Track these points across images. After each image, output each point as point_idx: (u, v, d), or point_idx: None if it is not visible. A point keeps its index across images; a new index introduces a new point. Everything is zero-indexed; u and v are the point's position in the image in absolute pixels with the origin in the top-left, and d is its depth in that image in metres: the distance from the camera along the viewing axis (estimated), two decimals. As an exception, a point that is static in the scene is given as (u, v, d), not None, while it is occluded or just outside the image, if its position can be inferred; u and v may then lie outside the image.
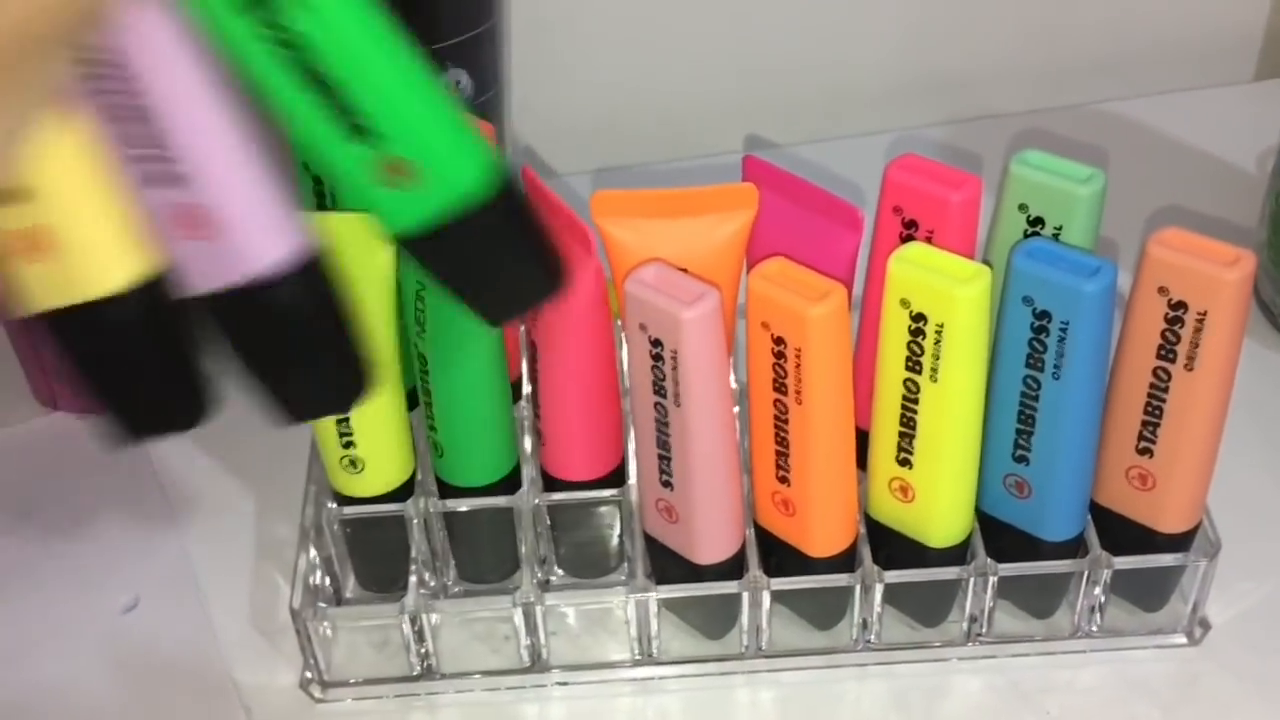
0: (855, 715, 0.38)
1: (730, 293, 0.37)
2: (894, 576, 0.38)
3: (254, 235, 0.24)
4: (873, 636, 0.39)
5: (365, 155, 0.24)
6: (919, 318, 0.33)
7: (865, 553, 0.38)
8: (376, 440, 0.38)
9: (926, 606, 0.39)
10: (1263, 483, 0.44)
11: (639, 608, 0.38)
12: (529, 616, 0.38)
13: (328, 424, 0.37)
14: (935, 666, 0.39)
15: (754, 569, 0.38)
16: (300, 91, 0.23)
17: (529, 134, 0.60)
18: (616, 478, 0.40)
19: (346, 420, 0.37)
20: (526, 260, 0.27)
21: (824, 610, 0.40)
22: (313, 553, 0.39)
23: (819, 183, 0.37)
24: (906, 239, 0.36)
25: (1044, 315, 0.33)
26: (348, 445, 0.38)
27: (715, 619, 0.40)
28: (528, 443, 0.42)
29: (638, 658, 0.39)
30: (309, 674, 0.39)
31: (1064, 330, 0.33)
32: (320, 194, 0.39)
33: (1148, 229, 0.34)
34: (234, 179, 0.24)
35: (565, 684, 0.39)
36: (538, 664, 0.39)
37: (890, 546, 0.38)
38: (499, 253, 0.27)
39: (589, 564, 0.42)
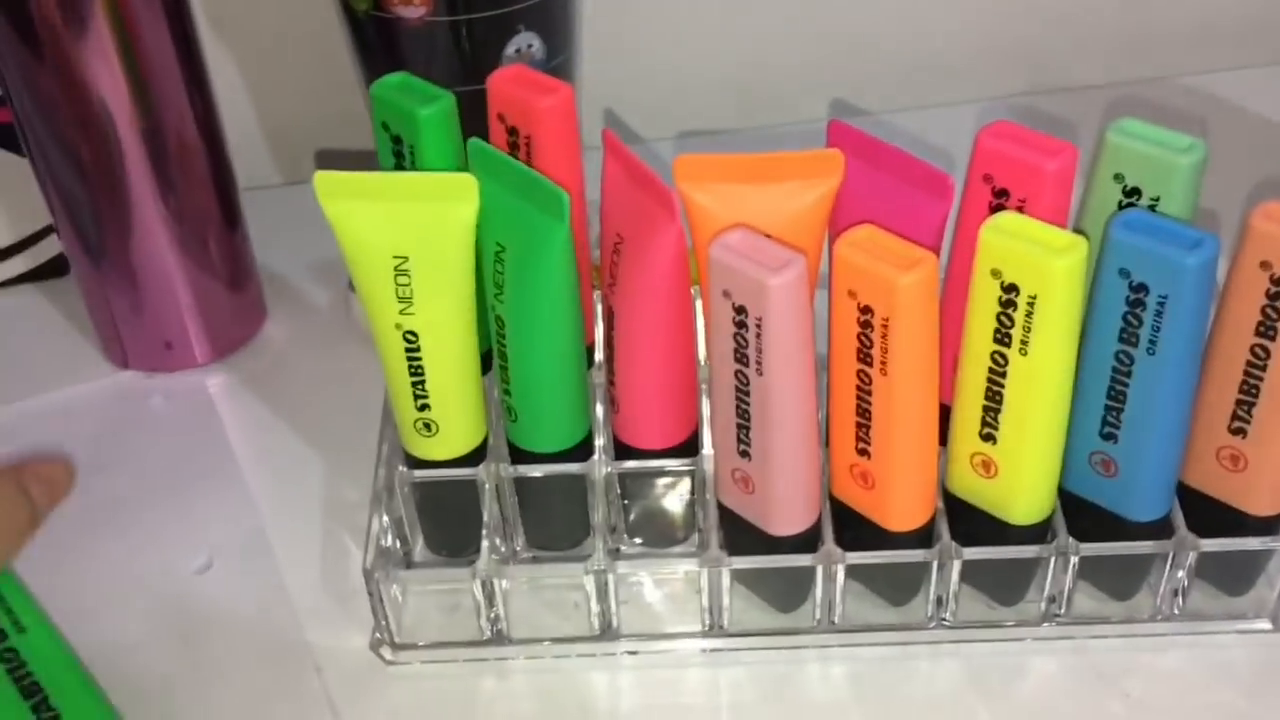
0: (928, 694, 0.38)
1: (813, 261, 0.36)
2: (973, 553, 0.37)
3: None
4: (948, 614, 0.38)
5: None
6: (1010, 289, 0.32)
7: (943, 528, 0.37)
8: (451, 403, 0.38)
9: (1005, 585, 0.39)
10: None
11: (711, 578, 0.38)
12: (600, 584, 0.38)
13: (403, 387, 0.37)
14: (1011, 646, 0.39)
15: (829, 542, 0.37)
16: None
17: (609, 98, 0.59)
18: (689, 447, 0.39)
19: (422, 383, 0.37)
20: None
21: (899, 586, 0.39)
22: (384, 515, 0.39)
23: (905, 149, 0.36)
24: (997, 208, 0.35)
25: (1141, 289, 0.32)
26: (422, 408, 0.38)
27: (788, 592, 0.39)
28: (600, 410, 0.41)
29: (707, 629, 0.39)
30: (379, 635, 0.39)
31: (1161, 305, 0.32)
32: (399, 154, 0.39)
33: (1249, 203, 0.32)
34: None
35: (635, 653, 0.39)
36: (607, 632, 0.39)
37: (969, 522, 0.37)
38: None
39: (660, 533, 0.42)
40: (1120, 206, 0.35)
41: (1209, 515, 0.37)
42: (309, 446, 0.46)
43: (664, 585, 0.41)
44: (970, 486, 0.37)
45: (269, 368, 0.50)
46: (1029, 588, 0.39)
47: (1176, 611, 0.38)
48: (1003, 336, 0.33)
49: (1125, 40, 0.60)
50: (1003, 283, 0.32)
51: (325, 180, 0.35)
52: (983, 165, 0.35)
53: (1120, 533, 0.37)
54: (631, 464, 0.39)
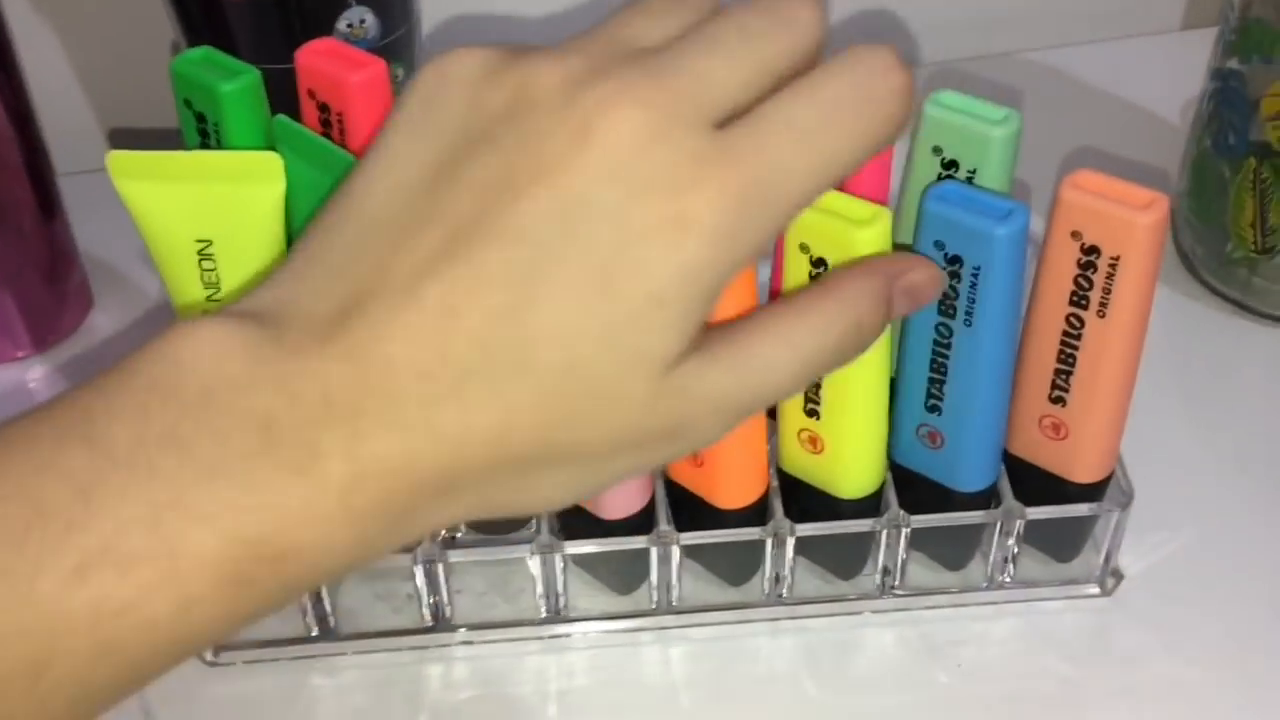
0: (766, 672, 0.38)
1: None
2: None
3: None
4: (784, 590, 0.38)
5: None
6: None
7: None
8: None
9: (842, 560, 0.39)
10: (1177, 432, 0.44)
11: (546, 564, 0.37)
12: (431, 574, 0.37)
13: None
14: (849, 621, 0.39)
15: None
16: None
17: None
18: None
19: None
20: None
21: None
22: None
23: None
24: (817, 182, 0.35)
25: (955, 260, 0.32)
26: None
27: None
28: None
29: (544, 615, 0.38)
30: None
31: (975, 275, 0.32)
32: (204, 132, 0.37)
33: (1065, 173, 0.33)
34: None
35: (470, 643, 0.38)
36: (441, 623, 0.38)
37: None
38: None
39: (496, 521, 0.41)
40: (939, 179, 0.35)
41: (1035, 484, 0.37)
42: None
43: (499, 573, 0.40)
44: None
45: (94, 358, 0.48)
46: (865, 561, 0.39)
47: (1008, 579, 0.39)
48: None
49: (956, 20, 0.61)
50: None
51: (120, 160, 0.33)
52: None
53: (949, 504, 0.37)
54: None
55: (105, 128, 0.58)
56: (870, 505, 0.37)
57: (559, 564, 0.37)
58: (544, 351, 0.22)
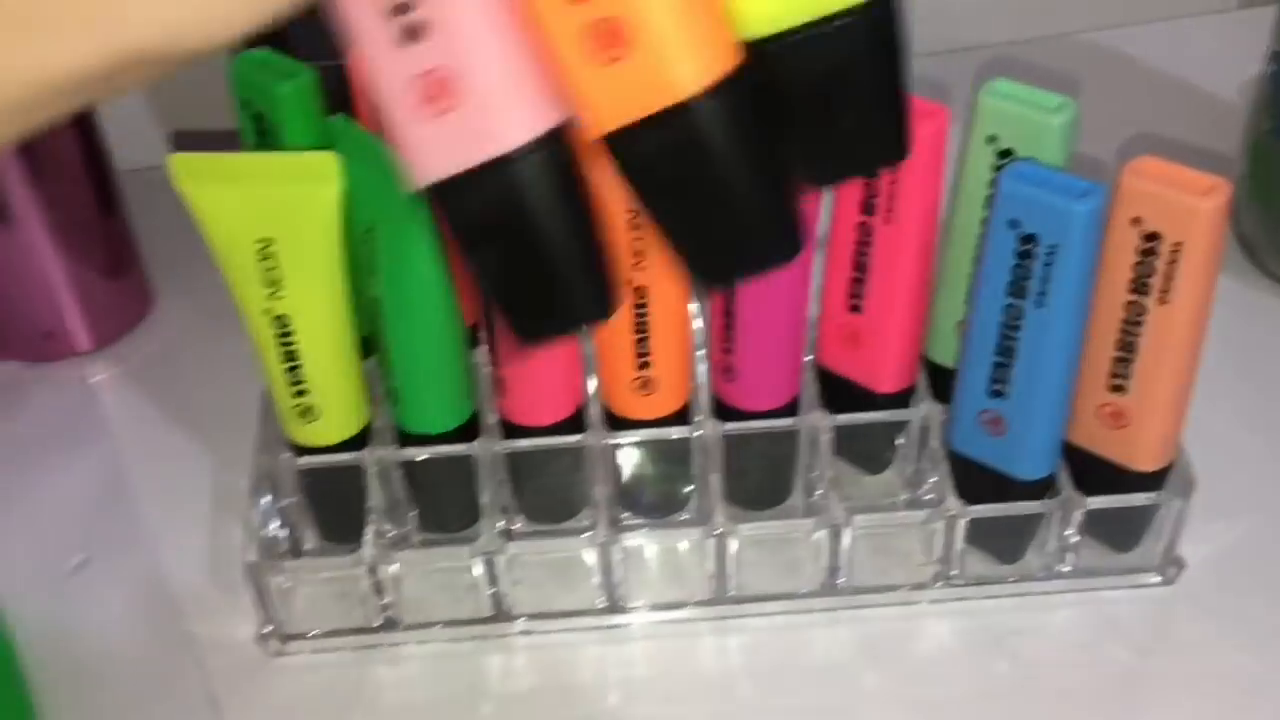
0: (824, 663, 0.38)
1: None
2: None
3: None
4: (842, 580, 0.38)
5: None
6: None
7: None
8: (329, 388, 0.37)
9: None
10: (1238, 420, 0.43)
11: (603, 555, 0.37)
12: (491, 566, 0.37)
13: (278, 373, 0.36)
14: (905, 611, 0.39)
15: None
16: None
17: None
18: (576, 422, 0.39)
19: (297, 368, 0.36)
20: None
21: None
22: (265, 503, 0.38)
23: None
24: (870, 176, 0.35)
25: (1030, 239, 0.32)
26: (300, 394, 0.37)
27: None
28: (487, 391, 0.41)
29: (604, 605, 0.39)
30: (267, 628, 0.38)
31: (1051, 254, 0.32)
32: (261, 132, 0.37)
33: (1121, 161, 0.32)
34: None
35: (529, 633, 0.39)
36: (501, 613, 0.38)
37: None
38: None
39: (552, 512, 0.41)
40: (995, 169, 0.35)
41: (1094, 472, 0.37)
42: (197, 435, 0.45)
43: (559, 564, 0.40)
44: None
45: (156, 354, 0.48)
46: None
47: (1067, 569, 0.39)
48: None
49: (995, 2, 0.60)
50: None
51: (183, 163, 0.33)
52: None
53: (1008, 493, 0.37)
54: (522, 442, 0.39)
55: (163, 125, 0.59)
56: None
57: (616, 555, 0.38)
58: None
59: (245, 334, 0.48)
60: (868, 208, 0.35)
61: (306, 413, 0.37)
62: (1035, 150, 0.34)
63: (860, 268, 0.37)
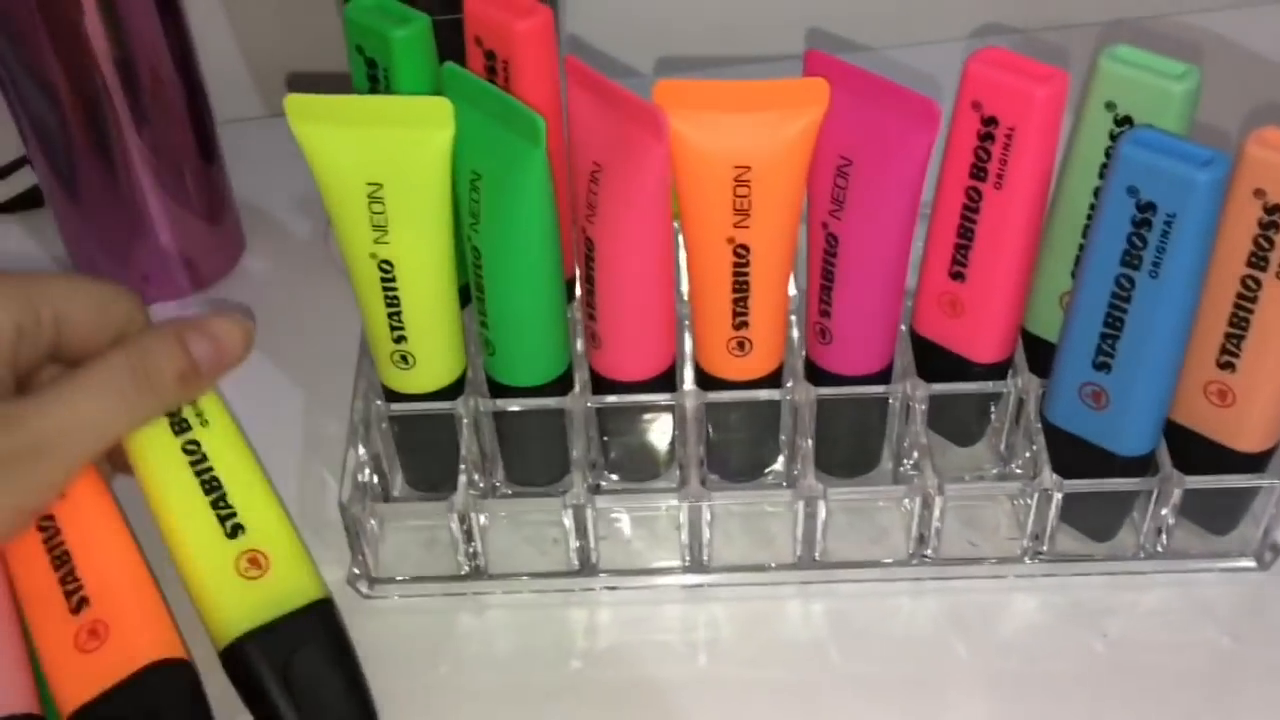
0: (907, 632, 0.37)
1: (797, 195, 0.35)
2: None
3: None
4: (930, 551, 0.38)
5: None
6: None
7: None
8: (427, 335, 0.37)
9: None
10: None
11: (691, 514, 0.37)
12: (579, 519, 0.37)
13: (379, 318, 0.36)
14: (992, 584, 0.38)
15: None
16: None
17: (585, 33, 0.58)
18: (669, 379, 0.39)
19: (398, 314, 0.36)
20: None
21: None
22: (361, 450, 0.38)
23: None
24: (985, 138, 0.34)
25: (1148, 207, 0.31)
26: (399, 340, 0.37)
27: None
28: (579, 344, 0.41)
29: (687, 565, 0.39)
30: (356, 570, 0.39)
31: (1169, 224, 0.31)
32: (374, 78, 0.38)
33: (1242, 133, 0.32)
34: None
35: (614, 589, 0.39)
36: (586, 568, 0.39)
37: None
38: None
39: (639, 468, 0.41)
40: (1111, 137, 0.34)
41: (1194, 451, 0.36)
42: (288, 380, 0.46)
43: (644, 521, 0.40)
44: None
45: (247, 300, 0.49)
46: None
47: (1160, 550, 0.38)
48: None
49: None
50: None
51: (297, 103, 0.34)
52: (971, 91, 0.34)
53: (1107, 469, 0.36)
54: (613, 398, 0.39)
55: (263, 77, 0.59)
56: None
57: (705, 515, 0.38)
58: None
59: (330, 282, 0.49)
60: (978, 172, 0.35)
61: (404, 359, 0.37)
62: (1155, 118, 0.33)
63: (966, 234, 0.36)
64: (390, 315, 0.36)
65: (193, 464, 0.32)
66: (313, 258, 0.51)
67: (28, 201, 0.53)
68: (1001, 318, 0.37)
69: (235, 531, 0.31)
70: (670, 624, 0.38)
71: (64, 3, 0.42)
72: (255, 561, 0.31)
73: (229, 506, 0.31)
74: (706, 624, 0.38)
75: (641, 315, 0.37)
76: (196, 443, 0.32)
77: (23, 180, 0.53)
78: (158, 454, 0.32)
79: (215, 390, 0.34)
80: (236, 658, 0.30)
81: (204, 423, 0.33)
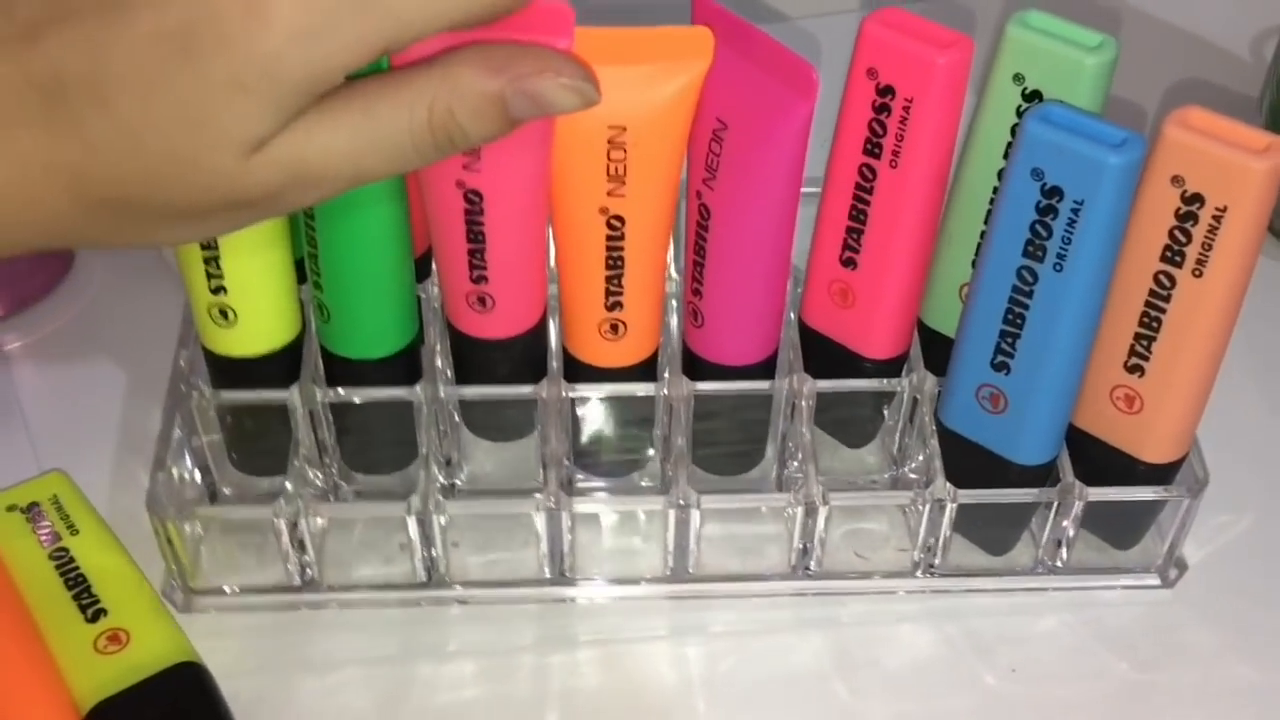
0: (794, 667, 0.34)
1: (678, 159, 0.31)
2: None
3: None
4: (812, 564, 0.35)
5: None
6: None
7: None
8: (250, 285, 0.33)
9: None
10: (1250, 407, 0.40)
11: (551, 521, 0.34)
12: (425, 526, 0.33)
13: (194, 260, 0.32)
14: (881, 600, 0.35)
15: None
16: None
17: None
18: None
19: (215, 259, 0.32)
20: None
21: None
22: (176, 440, 0.34)
23: (779, 38, 0.31)
24: (880, 109, 0.31)
25: (1054, 193, 0.28)
26: (217, 291, 0.32)
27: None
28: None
29: (548, 576, 0.35)
30: (173, 581, 0.34)
31: (1076, 212, 0.28)
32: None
33: (1161, 111, 0.29)
34: None
35: (465, 602, 0.35)
36: (434, 578, 0.35)
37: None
38: None
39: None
40: (1018, 113, 0.31)
41: (1098, 460, 0.33)
42: (104, 361, 0.41)
43: (504, 528, 0.36)
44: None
45: (80, 318, 0.43)
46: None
47: (1059, 564, 0.35)
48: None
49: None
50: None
51: None
52: (866, 57, 0.31)
53: (1003, 477, 0.33)
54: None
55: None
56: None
57: (566, 521, 0.34)
58: (121, 96, 0.22)
59: (158, 284, 0.43)
60: (871, 148, 0.31)
61: (224, 314, 0.33)
62: (1066, 93, 0.30)
63: (858, 217, 0.33)
64: (207, 261, 0.32)
65: (58, 567, 0.34)
66: (160, 262, 0.45)
67: None
68: (895, 310, 0.34)
69: (96, 616, 0.33)
70: (523, 641, 0.34)
71: None
72: (115, 638, 0.32)
73: (91, 596, 0.33)
74: (560, 641, 0.34)
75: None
76: (65, 549, 0.34)
77: None
78: (28, 562, 0.34)
79: (84, 499, 0.36)
80: None
81: (74, 532, 0.35)
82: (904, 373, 0.35)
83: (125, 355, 0.41)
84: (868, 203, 0.32)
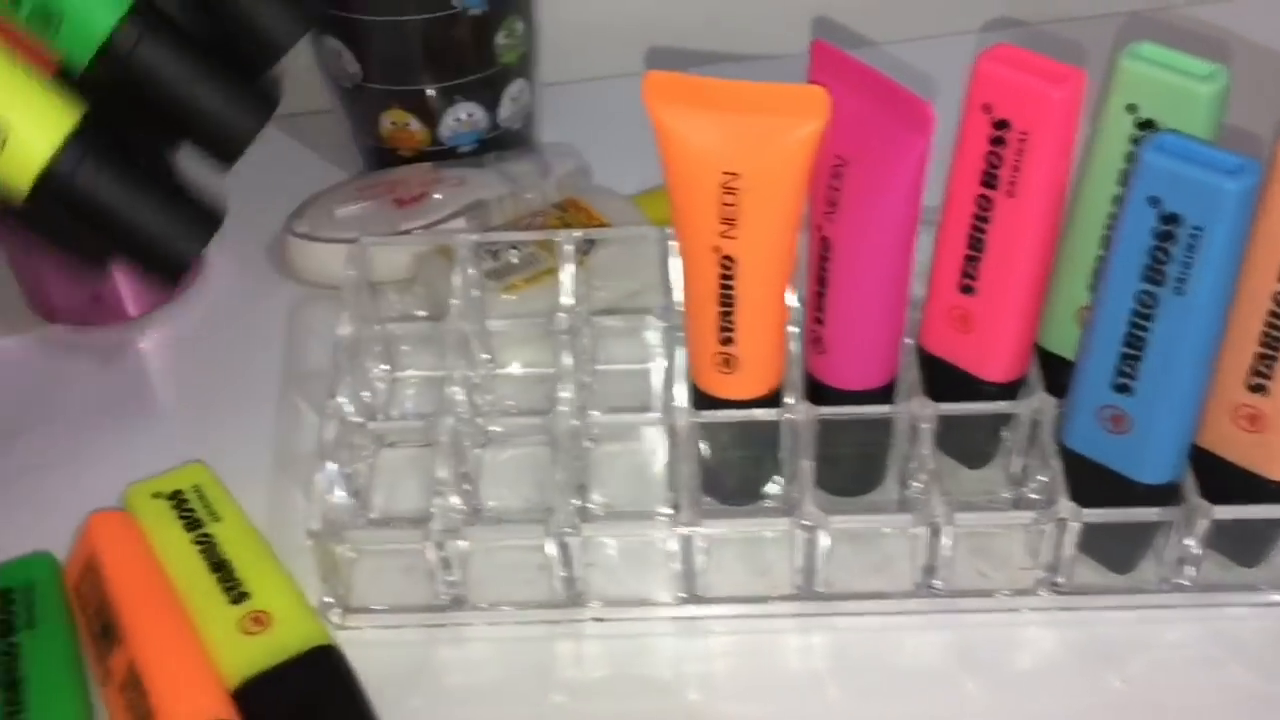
0: (913, 666, 0.35)
1: (792, 207, 0.33)
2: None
3: None
4: (937, 582, 0.36)
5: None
6: None
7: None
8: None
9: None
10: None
11: (684, 543, 0.35)
12: (565, 549, 0.35)
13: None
14: (1005, 618, 0.36)
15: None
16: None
17: (571, 20, 0.55)
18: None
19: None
20: None
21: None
22: (333, 467, 0.36)
23: (897, 78, 0.32)
24: (996, 142, 0.32)
25: (1172, 219, 0.29)
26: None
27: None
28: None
29: (682, 596, 0.36)
30: (328, 598, 0.37)
31: (1195, 238, 0.29)
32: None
33: (1274, 137, 0.29)
34: None
35: (601, 620, 0.37)
36: (573, 598, 0.36)
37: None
38: None
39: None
40: (1133, 142, 0.32)
41: (1222, 478, 0.34)
42: (248, 399, 0.43)
43: (635, 550, 0.38)
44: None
45: (204, 318, 0.47)
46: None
47: (1185, 583, 0.36)
48: None
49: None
50: None
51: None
52: (982, 93, 0.32)
53: (1126, 497, 0.34)
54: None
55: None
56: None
57: (699, 543, 0.35)
58: None
59: (289, 296, 0.46)
60: (989, 179, 0.33)
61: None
62: (1180, 122, 0.31)
63: (976, 245, 0.34)
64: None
65: (202, 551, 0.36)
66: (270, 270, 0.48)
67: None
68: (1014, 334, 0.35)
69: (240, 599, 0.35)
70: (661, 658, 0.36)
71: None
72: (258, 620, 0.34)
73: (234, 579, 0.35)
74: (701, 658, 0.36)
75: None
76: (208, 535, 0.36)
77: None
78: (174, 547, 0.36)
79: (223, 488, 0.38)
80: (245, 697, 0.33)
81: (216, 519, 0.37)
82: (1023, 395, 0.36)
83: (247, 354, 0.44)
84: (985, 231, 0.33)
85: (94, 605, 0.35)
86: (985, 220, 0.33)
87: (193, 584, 0.35)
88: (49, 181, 0.30)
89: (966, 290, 0.35)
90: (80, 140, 0.30)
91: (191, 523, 0.37)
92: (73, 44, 0.31)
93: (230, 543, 0.36)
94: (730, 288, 0.34)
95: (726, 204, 0.32)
